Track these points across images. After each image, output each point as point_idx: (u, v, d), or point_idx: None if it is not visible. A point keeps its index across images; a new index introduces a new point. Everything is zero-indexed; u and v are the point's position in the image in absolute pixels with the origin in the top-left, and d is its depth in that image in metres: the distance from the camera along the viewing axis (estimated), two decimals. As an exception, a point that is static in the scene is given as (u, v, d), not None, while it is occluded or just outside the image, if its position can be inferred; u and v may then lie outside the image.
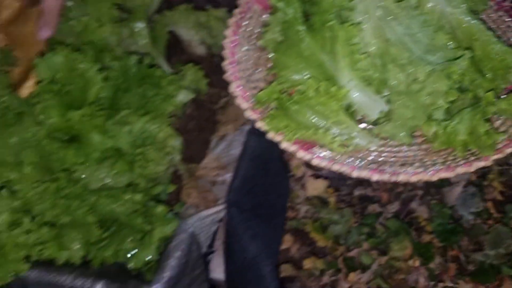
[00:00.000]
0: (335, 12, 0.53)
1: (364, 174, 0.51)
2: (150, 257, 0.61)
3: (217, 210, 0.65)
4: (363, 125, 0.56)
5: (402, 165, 0.53)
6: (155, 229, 0.62)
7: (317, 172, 0.68)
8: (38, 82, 0.64)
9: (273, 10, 0.59)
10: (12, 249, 0.59)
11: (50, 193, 0.60)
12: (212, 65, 0.88)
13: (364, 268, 0.62)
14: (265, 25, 0.62)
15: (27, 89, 0.77)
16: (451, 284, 0.61)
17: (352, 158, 0.53)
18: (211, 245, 0.67)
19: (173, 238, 0.61)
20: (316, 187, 0.65)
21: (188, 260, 0.61)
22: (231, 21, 0.65)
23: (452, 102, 0.52)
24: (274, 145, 0.64)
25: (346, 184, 0.72)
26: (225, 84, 0.85)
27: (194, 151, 0.79)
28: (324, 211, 0.64)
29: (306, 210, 0.68)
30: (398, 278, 0.61)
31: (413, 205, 0.70)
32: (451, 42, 0.54)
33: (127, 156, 0.66)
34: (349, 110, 0.55)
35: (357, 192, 0.71)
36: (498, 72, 0.53)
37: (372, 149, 0.55)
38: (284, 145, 0.53)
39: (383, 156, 0.54)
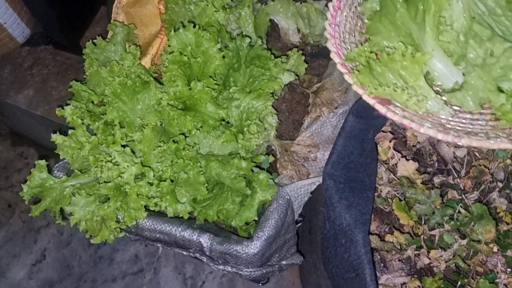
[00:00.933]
0: None
1: (430, 132, 0.54)
2: (251, 217, 0.67)
3: (310, 183, 0.70)
4: (438, 92, 0.60)
5: (467, 133, 0.56)
6: (257, 193, 0.67)
7: (406, 156, 0.72)
8: (170, 53, 0.71)
9: None
10: (134, 198, 0.67)
11: (170, 153, 0.68)
12: (305, 53, 0.93)
13: (444, 248, 0.65)
14: None
15: (144, 63, 0.85)
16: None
17: (423, 119, 0.57)
18: (301, 214, 0.72)
19: (273, 202, 0.67)
20: (407, 168, 0.69)
21: (284, 223, 0.67)
22: (327, 33, 0.68)
23: None
24: (370, 127, 0.69)
25: (427, 172, 0.75)
26: (317, 72, 0.90)
27: (284, 130, 0.85)
28: (411, 191, 0.67)
29: (387, 191, 0.72)
30: (478, 260, 0.64)
31: (493, 196, 0.72)
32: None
33: (234, 128, 0.73)
34: (428, 77, 0.59)
35: (437, 180, 0.74)
36: None
37: (442, 116, 0.58)
38: (365, 97, 0.58)
39: (451, 124, 0.58)
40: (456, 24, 0.59)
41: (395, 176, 0.70)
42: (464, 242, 0.64)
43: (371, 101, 0.57)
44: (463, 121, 0.58)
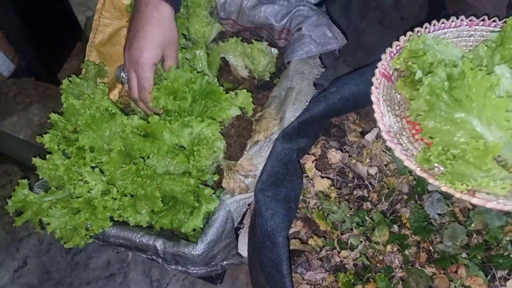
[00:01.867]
0: (487, 86, 0.62)
1: None
2: (197, 225, 0.81)
3: (248, 196, 0.84)
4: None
5: None
6: (202, 205, 0.81)
7: (323, 174, 0.87)
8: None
9: (407, 83, 0.70)
10: (101, 210, 0.80)
11: (131, 173, 0.81)
12: (252, 85, 1.08)
13: (353, 248, 0.80)
14: (397, 94, 0.74)
15: (112, 96, 0.99)
16: (419, 267, 0.79)
17: (509, 199, 0.61)
18: (241, 222, 0.87)
19: (215, 213, 0.81)
20: (322, 184, 0.84)
21: (224, 230, 0.81)
22: (372, 97, 0.72)
23: None
24: (293, 151, 0.84)
25: (348, 186, 0.91)
26: (261, 102, 1.05)
27: (233, 152, 0.99)
28: (326, 203, 0.82)
29: (314, 203, 0.87)
30: (378, 258, 0.79)
31: (398, 206, 0.87)
32: None
33: (186, 151, 0.87)
34: (500, 162, 0.65)
35: (355, 193, 0.89)
36: None
37: None
38: (457, 195, 0.62)
39: None
40: None
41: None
42: (366, 243, 0.79)
43: (465, 197, 0.61)
44: None
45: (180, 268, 0.81)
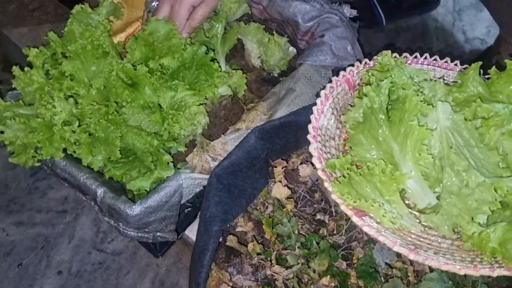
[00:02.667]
0: (415, 114, 0.62)
1: (402, 250, 0.58)
2: (144, 187, 0.77)
3: (204, 177, 0.80)
4: (412, 211, 0.65)
5: (435, 253, 0.60)
6: (157, 170, 0.78)
7: (288, 184, 0.81)
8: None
9: (360, 95, 0.68)
10: (58, 139, 0.77)
11: (100, 113, 0.78)
12: (259, 76, 1.04)
13: (287, 267, 0.74)
14: (350, 104, 0.72)
15: (118, 38, 0.96)
16: (348, 311, 0.72)
17: (395, 235, 0.61)
18: (189, 200, 0.82)
19: (166, 182, 0.77)
20: (280, 192, 0.78)
21: (168, 201, 0.76)
22: (322, 92, 0.73)
23: (492, 212, 0.59)
24: (264, 149, 0.79)
25: (313, 206, 0.85)
26: (261, 95, 1.00)
27: (214, 132, 0.95)
28: (278, 212, 0.77)
29: (271, 210, 0.82)
30: (309, 286, 0.73)
31: (354, 244, 0.81)
32: (503, 163, 0.62)
33: (163, 113, 0.83)
34: (402, 194, 0.63)
35: (317, 216, 0.83)
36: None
37: (412, 231, 0.62)
38: (343, 207, 0.61)
39: (420, 241, 0.62)
40: (433, 150, 0.64)
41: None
42: (299, 266, 0.73)
43: (348, 212, 0.61)
44: (432, 238, 0.63)
45: (112, 222, 0.77)
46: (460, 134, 0.64)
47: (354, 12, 0.99)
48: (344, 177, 0.63)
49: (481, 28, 1.59)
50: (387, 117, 0.65)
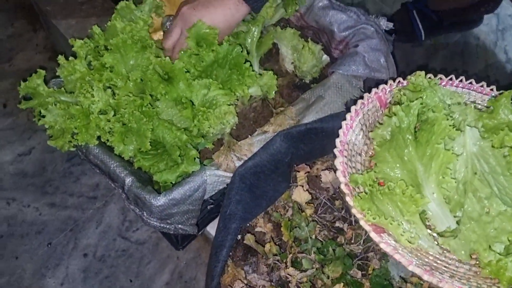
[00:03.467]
0: (443, 137, 0.62)
1: (417, 270, 0.58)
2: (169, 179, 0.79)
3: (228, 176, 0.81)
4: (431, 232, 0.65)
5: (451, 276, 0.60)
6: (183, 164, 0.80)
7: (310, 189, 0.82)
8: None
9: (390, 113, 0.68)
10: (93, 127, 0.81)
11: (134, 104, 0.81)
12: (291, 81, 1.05)
13: (302, 271, 0.74)
14: (379, 122, 0.72)
15: (158, 35, 1.00)
16: (359, 322, 0.72)
17: (411, 254, 0.61)
18: (212, 197, 0.84)
19: (191, 176, 0.79)
20: (301, 196, 0.79)
21: (192, 195, 0.78)
22: (353, 107, 0.73)
23: (510, 242, 0.59)
24: (288, 153, 0.80)
25: (333, 214, 0.85)
26: (291, 100, 1.01)
27: (242, 133, 0.96)
28: (297, 216, 0.77)
29: (291, 214, 0.82)
30: (322, 291, 0.73)
31: (371, 255, 0.80)
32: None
33: (194, 109, 0.86)
34: (423, 215, 0.64)
35: (337, 224, 0.83)
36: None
37: (430, 253, 0.63)
38: (362, 223, 0.62)
39: (437, 263, 0.62)
40: (458, 174, 0.64)
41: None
42: (313, 271, 0.73)
43: (367, 227, 0.62)
44: (449, 261, 0.63)
45: (137, 211, 0.80)
46: (487, 160, 0.64)
47: (390, 25, 0.98)
48: (366, 193, 0.64)
49: (524, 49, 1.55)
50: (415, 138, 0.65)
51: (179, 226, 0.81)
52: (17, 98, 1.28)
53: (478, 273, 0.62)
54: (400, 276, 0.73)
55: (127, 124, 0.80)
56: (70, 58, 0.84)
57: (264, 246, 0.79)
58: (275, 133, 0.86)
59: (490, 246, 0.60)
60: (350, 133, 0.72)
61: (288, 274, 0.74)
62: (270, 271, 0.78)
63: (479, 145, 0.64)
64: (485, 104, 0.78)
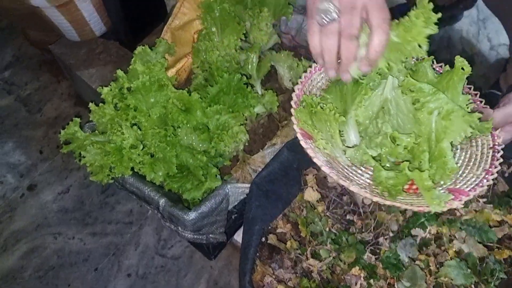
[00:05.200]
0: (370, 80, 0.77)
1: (325, 169, 0.70)
2: (197, 196, 0.91)
3: (247, 186, 0.93)
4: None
5: (350, 180, 0.73)
6: (207, 181, 0.92)
7: (320, 189, 0.92)
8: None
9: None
10: (126, 160, 0.93)
11: (159, 136, 0.94)
12: (291, 96, 1.16)
13: (320, 260, 0.85)
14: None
15: (170, 72, 1.13)
16: (376, 299, 0.82)
17: (327, 160, 0.75)
18: (235, 207, 0.95)
19: (214, 191, 0.91)
20: (311, 196, 0.90)
21: (217, 207, 0.90)
22: (299, 80, 0.86)
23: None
24: (295, 160, 0.91)
25: (343, 208, 0.95)
26: (292, 114, 1.12)
27: (254, 148, 1.08)
28: (310, 213, 0.88)
29: (306, 212, 0.93)
30: (340, 276, 0.83)
31: (381, 240, 0.90)
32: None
33: (210, 133, 0.98)
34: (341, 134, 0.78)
35: (347, 216, 0.94)
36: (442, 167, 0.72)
37: (341, 162, 0.77)
38: (295, 127, 0.76)
39: (346, 172, 0.75)
40: (373, 108, 0.77)
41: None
42: (331, 259, 0.84)
43: (298, 130, 0.76)
44: (354, 171, 0.77)
45: (173, 227, 0.92)
46: (397, 103, 0.77)
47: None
48: (303, 107, 0.78)
49: (505, 35, 1.63)
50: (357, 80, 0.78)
51: (210, 235, 0.93)
52: (50, 144, 1.43)
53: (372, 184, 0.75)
54: (408, 257, 0.82)
55: (154, 155, 0.93)
56: (100, 104, 0.97)
57: (285, 244, 0.90)
58: (283, 144, 0.97)
59: (372, 156, 0.75)
60: (317, 73, 0.85)
61: (310, 265, 0.85)
62: (294, 264, 0.88)
63: (395, 91, 0.77)
64: None
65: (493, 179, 0.73)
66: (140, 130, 0.97)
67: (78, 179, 1.40)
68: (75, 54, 1.30)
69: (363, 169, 0.79)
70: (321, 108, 0.75)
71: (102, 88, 0.99)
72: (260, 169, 0.96)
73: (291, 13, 1.10)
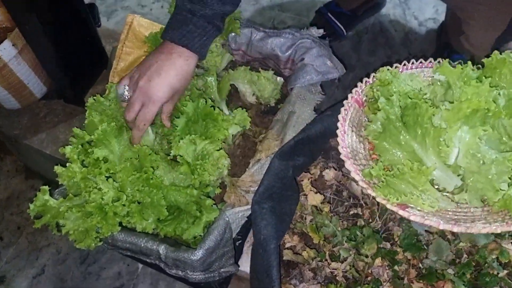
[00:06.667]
0: (428, 117, 0.72)
1: (446, 227, 0.69)
2: (198, 232, 0.86)
3: (246, 209, 0.89)
4: (444, 193, 0.77)
5: (472, 221, 0.71)
6: (204, 215, 0.87)
7: (318, 190, 0.91)
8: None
9: (372, 110, 0.80)
10: (111, 216, 0.86)
11: (140, 181, 0.88)
12: (258, 110, 1.15)
13: (342, 260, 0.83)
14: (368, 119, 0.84)
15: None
16: (407, 282, 0.81)
17: (436, 217, 0.72)
18: (239, 233, 0.91)
19: (214, 222, 0.86)
20: (315, 199, 0.88)
21: (222, 238, 0.85)
22: (339, 116, 0.84)
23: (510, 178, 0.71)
24: (289, 168, 0.89)
25: (344, 205, 0.94)
26: (266, 125, 1.11)
27: (237, 170, 1.05)
28: (319, 217, 0.86)
29: (310, 218, 0.91)
30: (366, 271, 0.82)
31: (391, 225, 0.90)
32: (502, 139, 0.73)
33: (191, 165, 0.93)
34: (433, 183, 0.76)
35: (351, 211, 0.93)
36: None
37: (449, 209, 0.74)
38: (388, 206, 0.72)
39: (457, 215, 0.73)
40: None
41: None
42: (356, 256, 0.82)
43: (394, 209, 0.72)
44: (465, 210, 0.75)
45: (180, 273, 0.85)
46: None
47: (321, 31, 1.12)
48: (382, 181, 0.74)
49: (429, 10, 1.76)
50: (403, 124, 0.76)
51: (222, 270, 0.87)
52: (9, 227, 1.31)
53: (490, 211, 0.74)
54: (425, 230, 0.83)
55: (141, 201, 0.87)
56: (67, 164, 0.90)
57: (302, 255, 0.87)
58: (268, 157, 0.95)
59: (495, 187, 0.71)
60: (346, 137, 0.83)
61: (333, 269, 0.82)
62: (314, 274, 0.85)
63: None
64: (431, 74, 0.90)
65: None
66: (116, 181, 0.90)
67: (51, 256, 1.29)
68: (18, 123, 1.21)
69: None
70: (399, 171, 0.71)
71: (64, 148, 0.92)
72: (252, 189, 0.94)
73: (239, 28, 1.09)
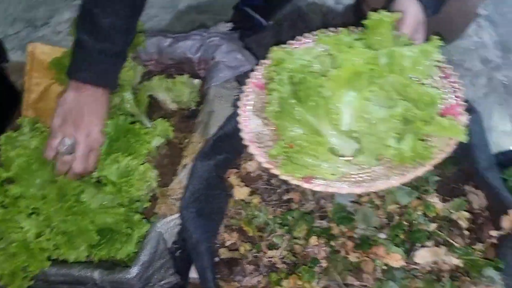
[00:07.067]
0: (315, 89, 0.74)
1: (350, 190, 0.71)
2: (131, 250, 0.85)
3: (177, 217, 0.89)
4: (344, 159, 0.77)
5: (374, 180, 0.72)
6: (134, 231, 0.85)
7: (249, 185, 0.91)
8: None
9: (270, 91, 0.80)
10: (38, 252, 0.83)
11: (63, 211, 0.86)
12: (181, 115, 1.15)
13: (278, 248, 0.83)
14: (265, 101, 0.84)
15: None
16: (344, 254, 0.82)
17: (340, 182, 0.73)
18: (175, 242, 0.90)
19: (146, 236, 0.85)
20: (241, 192, 0.88)
21: (156, 251, 0.84)
22: (239, 102, 0.85)
23: (399, 132, 0.73)
24: (212, 167, 0.89)
25: (276, 192, 0.95)
26: (190, 129, 1.11)
27: (167, 179, 1.03)
28: (247, 209, 0.86)
29: (242, 213, 0.91)
30: (302, 252, 0.83)
31: (323, 203, 0.91)
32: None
33: (116, 184, 0.92)
34: (334, 151, 0.76)
35: (284, 197, 0.93)
36: (428, 104, 0.74)
37: (353, 173, 0.74)
38: (293, 181, 0.72)
39: (361, 177, 0.74)
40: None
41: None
42: (287, 242, 0.83)
43: (299, 183, 0.72)
44: (367, 170, 0.76)
45: (120, 294, 0.84)
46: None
47: (229, 25, 1.13)
48: (284, 159, 0.75)
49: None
50: (297, 99, 0.77)
51: (162, 282, 0.87)
52: None
53: (390, 166, 0.76)
54: (350, 201, 0.84)
55: (67, 231, 0.85)
56: (-18, 209, 0.86)
57: (237, 251, 0.87)
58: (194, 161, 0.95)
59: (386, 144, 0.74)
60: (249, 122, 0.83)
61: (270, 258, 0.83)
62: (256, 266, 0.85)
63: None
64: None
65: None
66: (38, 215, 0.88)
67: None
68: None
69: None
70: (298, 146, 0.73)
71: (-21, 191, 0.88)
72: (182, 195, 0.93)
73: (144, 41, 1.08)
